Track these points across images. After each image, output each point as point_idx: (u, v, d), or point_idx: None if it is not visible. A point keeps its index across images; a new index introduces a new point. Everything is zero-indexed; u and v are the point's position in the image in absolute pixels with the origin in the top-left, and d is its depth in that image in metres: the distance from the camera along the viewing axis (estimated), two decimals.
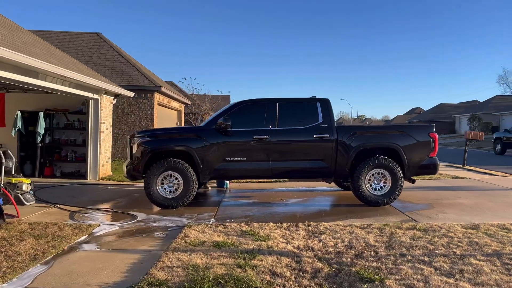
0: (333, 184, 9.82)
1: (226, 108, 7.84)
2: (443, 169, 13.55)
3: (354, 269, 4.23)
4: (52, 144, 11.73)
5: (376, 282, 3.88)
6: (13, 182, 7.18)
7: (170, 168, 7.30)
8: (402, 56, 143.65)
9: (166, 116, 19.05)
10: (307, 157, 7.57)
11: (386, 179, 7.47)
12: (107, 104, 11.59)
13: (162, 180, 7.36)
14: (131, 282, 3.92)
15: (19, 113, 10.83)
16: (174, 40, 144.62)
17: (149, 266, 4.35)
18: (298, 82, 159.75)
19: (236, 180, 10.41)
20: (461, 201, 7.90)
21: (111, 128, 12.15)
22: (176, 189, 7.36)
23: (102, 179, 11.22)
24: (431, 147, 7.60)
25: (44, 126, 10.94)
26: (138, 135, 7.67)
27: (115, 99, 12.26)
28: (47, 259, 4.59)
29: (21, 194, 7.16)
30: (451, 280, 3.91)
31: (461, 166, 14.53)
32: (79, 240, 5.35)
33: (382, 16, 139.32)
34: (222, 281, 3.87)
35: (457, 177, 11.45)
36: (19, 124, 10.76)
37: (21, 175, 7.89)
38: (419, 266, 4.29)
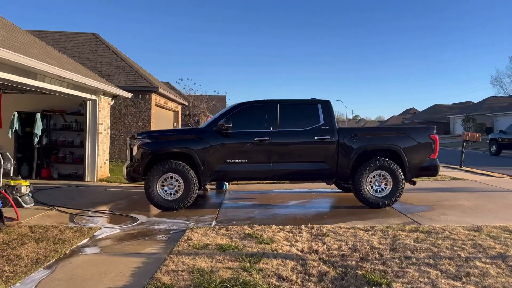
0: (332, 185, 9.83)
1: (227, 110, 7.81)
2: (440, 170, 13.55)
3: (360, 272, 4.21)
4: (49, 146, 11.63)
5: (383, 286, 3.87)
6: (12, 184, 7.10)
7: (170, 170, 7.25)
8: (396, 57, 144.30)
9: (163, 117, 18.97)
10: (308, 159, 7.55)
11: (387, 181, 7.47)
12: (105, 105, 11.51)
13: (163, 182, 7.30)
14: (136, 286, 3.88)
15: (16, 114, 10.73)
16: (173, 40, 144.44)
17: (154, 270, 4.30)
18: (296, 82, 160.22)
19: (235, 182, 10.37)
20: (461, 202, 7.92)
21: (109, 129, 12.08)
22: (176, 191, 7.31)
23: (100, 180, 11.14)
24: (431, 149, 7.61)
25: (41, 127, 10.84)
26: (138, 137, 7.62)
27: (113, 100, 12.18)
28: (49, 263, 4.53)
29: (19, 197, 7.08)
30: (458, 284, 3.90)
31: (458, 167, 14.58)
32: (80, 243, 5.29)
33: (375, 17, 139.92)
34: (228, 285, 3.84)
35: (455, 178, 11.49)
36: (16, 125, 10.66)
37: (20, 177, 7.79)
38: (425, 269, 4.28)
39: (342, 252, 4.89)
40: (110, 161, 13.79)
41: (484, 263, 4.46)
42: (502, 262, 4.47)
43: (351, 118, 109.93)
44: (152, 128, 15.98)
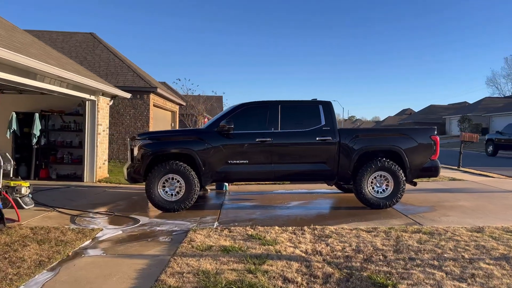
0: (332, 186, 9.83)
1: (228, 111, 7.80)
2: None
3: (365, 274, 4.22)
4: (48, 146, 11.57)
5: (389, 287, 3.87)
6: (12, 185, 7.04)
7: (172, 171, 7.22)
8: (393, 57, 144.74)
9: (161, 117, 18.93)
10: (310, 160, 7.55)
11: (388, 182, 7.48)
12: (104, 106, 11.46)
13: (164, 183, 7.28)
14: None
15: (14, 115, 10.66)
16: (171, 40, 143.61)
17: (158, 272, 4.29)
18: (294, 83, 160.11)
19: (235, 183, 10.35)
20: (461, 203, 7.95)
21: (107, 129, 12.03)
22: (178, 192, 7.29)
23: (99, 181, 11.09)
24: (432, 150, 7.64)
25: (40, 128, 10.79)
26: (139, 138, 7.59)
27: (112, 101, 12.14)
28: (52, 265, 4.50)
29: (20, 198, 7.02)
30: (464, 285, 3.91)
31: (456, 167, 14.64)
32: (83, 245, 5.26)
33: (373, 17, 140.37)
34: (235, 287, 3.83)
35: (454, 179, 11.53)
36: (14, 126, 10.59)
37: (20, 178, 7.73)
38: (429, 270, 4.29)
39: (346, 254, 4.89)
40: (108, 162, 13.73)
41: (488, 264, 4.47)
42: (506, 263, 4.49)
43: (347, 118, 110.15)
44: (151, 129, 15.94)
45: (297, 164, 7.56)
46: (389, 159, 7.51)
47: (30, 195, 7.38)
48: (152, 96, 16.08)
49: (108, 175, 12.01)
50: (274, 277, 4.13)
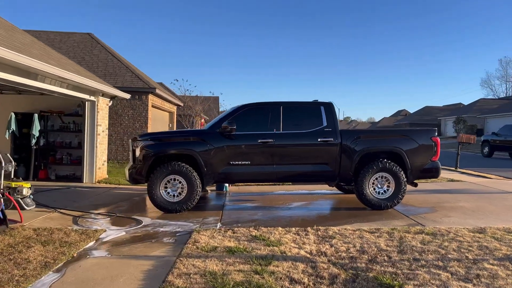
0: (333, 187, 9.86)
1: (230, 112, 7.81)
2: None
3: (371, 275, 4.24)
4: (47, 147, 11.52)
5: None
6: (13, 186, 7.01)
7: (174, 172, 7.22)
8: (389, 58, 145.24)
9: (159, 118, 18.90)
10: (312, 161, 7.57)
11: (389, 183, 7.52)
12: (103, 106, 11.44)
13: (166, 184, 7.28)
14: None
15: (13, 115, 10.61)
16: (172, 40, 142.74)
17: (165, 273, 4.29)
18: (292, 84, 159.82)
19: (235, 183, 10.36)
20: (462, 204, 8.00)
21: (107, 130, 12.00)
22: (180, 193, 7.29)
23: (99, 182, 11.06)
24: (433, 151, 7.69)
25: (39, 128, 10.74)
26: (140, 139, 7.59)
27: (111, 101, 12.11)
28: (58, 266, 4.49)
29: (21, 199, 6.99)
30: (469, 286, 3.95)
31: (454, 168, 14.72)
32: (87, 246, 5.25)
33: (370, 19, 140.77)
34: None
35: (452, 180, 11.60)
36: (13, 126, 10.54)
37: (20, 179, 7.70)
38: (434, 271, 4.32)
39: (351, 254, 4.91)
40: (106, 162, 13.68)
41: (492, 264, 4.51)
42: (510, 263, 4.53)
43: (342, 119, 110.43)
44: (149, 129, 15.91)
45: (299, 165, 7.59)
46: (390, 160, 7.55)
47: (31, 196, 7.35)
48: (150, 96, 16.06)
49: (107, 176, 11.98)
50: (280, 278, 4.14)
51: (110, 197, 9.04)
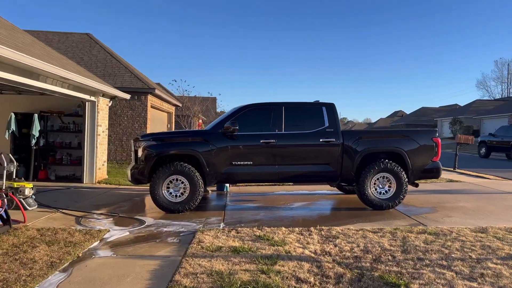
0: (331, 187, 9.89)
1: (232, 112, 7.82)
2: None
3: (376, 274, 4.27)
4: (47, 147, 11.49)
5: (402, 287, 3.93)
6: (15, 186, 7.00)
7: (176, 172, 7.24)
8: (385, 59, 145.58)
9: (157, 118, 18.88)
10: (314, 161, 7.61)
11: (390, 183, 7.56)
12: (103, 107, 11.43)
13: (168, 184, 7.29)
14: None
15: (13, 115, 10.58)
16: (172, 41, 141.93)
17: (171, 272, 4.31)
18: (289, 84, 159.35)
19: (236, 184, 10.38)
20: (462, 204, 8.06)
21: (107, 130, 11.99)
22: (182, 193, 7.30)
23: (99, 182, 11.04)
24: (434, 152, 7.74)
25: (39, 129, 10.72)
26: (142, 139, 7.59)
27: (111, 102, 12.10)
28: (64, 266, 4.49)
29: (23, 199, 6.98)
30: (474, 284, 3.98)
31: (452, 169, 14.80)
32: (92, 246, 5.25)
33: (365, 20, 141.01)
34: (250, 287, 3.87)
35: (451, 181, 11.68)
36: (12, 126, 10.51)
37: (22, 179, 7.69)
38: (439, 270, 4.36)
39: (355, 254, 4.94)
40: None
41: (496, 264, 4.56)
42: None
43: None
44: (148, 130, 15.90)
45: (301, 165, 7.62)
46: (391, 160, 7.59)
47: (33, 197, 7.34)
48: (149, 97, 16.05)
49: (107, 176, 11.96)
50: (287, 277, 4.17)
51: (111, 197, 9.03)
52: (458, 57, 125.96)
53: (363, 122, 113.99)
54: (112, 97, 11.95)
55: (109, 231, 5.99)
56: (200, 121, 32.43)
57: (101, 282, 4.05)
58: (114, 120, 15.54)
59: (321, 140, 7.56)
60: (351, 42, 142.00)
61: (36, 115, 10.68)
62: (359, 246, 5.26)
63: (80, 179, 11.04)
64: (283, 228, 6.07)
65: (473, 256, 4.81)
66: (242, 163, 7.45)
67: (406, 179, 7.54)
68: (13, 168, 7.15)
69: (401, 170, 7.53)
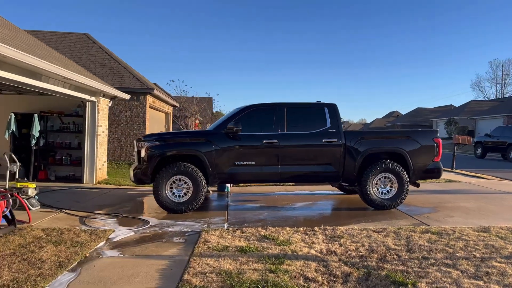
0: (331, 187, 9.96)
1: (235, 112, 7.86)
2: None
3: (383, 273, 4.32)
4: (46, 147, 11.47)
5: (409, 286, 3.98)
6: (18, 186, 7.00)
7: (179, 173, 7.26)
8: (381, 60, 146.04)
9: (155, 118, 18.87)
10: (316, 162, 7.66)
11: (392, 183, 7.63)
12: (103, 107, 11.42)
13: (171, 184, 7.31)
14: None
15: (13, 115, 10.53)
16: (171, 42, 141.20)
17: (180, 272, 4.34)
18: (286, 86, 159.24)
19: (237, 184, 10.41)
20: (462, 204, 8.14)
21: (107, 131, 11.98)
22: (185, 194, 7.33)
23: (99, 183, 11.04)
24: (435, 152, 7.82)
25: (39, 129, 10.68)
26: (145, 139, 7.61)
27: (111, 102, 12.09)
28: (72, 266, 4.51)
29: (26, 199, 6.98)
30: (480, 283, 4.04)
31: (449, 169, 14.91)
32: (98, 246, 5.27)
33: (361, 23, 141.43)
34: (260, 287, 3.90)
35: (450, 181, 11.78)
36: (12, 127, 10.45)
37: (25, 179, 7.67)
38: (445, 269, 4.42)
39: (360, 253, 4.99)
40: None
41: (500, 262, 4.62)
42: None
43: None
44: (147, 130, 15.89)
45: (303, 165, 7.67)
46: (393, 160, 7.66)
47: (36, 197, 7.33)
48: (148, 97, 16.04)
49: (107, 177, 11.95)
50: (295, 277, 4.21)
51: (112, 197, 9.03)
52: (453, 58, 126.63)
53: (358, 123, 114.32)
54: (112, 98, 11.94)
55: (114, 231, 6.01)
56: (197, 121, 32.42)
57: (111, 282, 4.07)
58: (113, 121, 15.52)
59: (323, 140, 7.61)
60: (346, 43, 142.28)
61: (36, 115, 10.64)
62: (364, 245, 5.31)
63: (80, 180, 11.03)
64: (288, 228, 6.11)
65: (477, 255, 4.88)
66: (245, 163, 7.48)
67: (408, 179, 7.61)
68: (16, 168, 7.15)
69: (403, 170, 7.59)
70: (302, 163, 7.66)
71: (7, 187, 6.75)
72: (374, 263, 4.65)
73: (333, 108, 7.86)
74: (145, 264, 4.62)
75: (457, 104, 64.77)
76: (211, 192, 9.78)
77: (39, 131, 10.73)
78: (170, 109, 21.87)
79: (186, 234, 5.91)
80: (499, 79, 71.09)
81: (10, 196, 5.84)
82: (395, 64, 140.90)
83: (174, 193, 7.33)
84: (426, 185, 10.87)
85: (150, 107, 16.82)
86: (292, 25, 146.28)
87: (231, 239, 5.56)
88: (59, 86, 8.60)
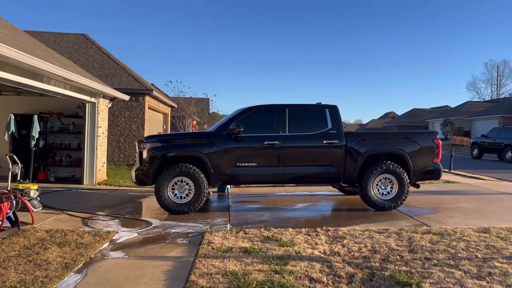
0: (331, 188, 10.02)
1: (237, 114, 7.89)
2: None
3: (387, 273, 4.36)
4: (46, 148, 11.45)
5: (414, 286, 4.02)
6: (20, 188, 7.00)
7: (181, 174, 7.29)
8: (373, 61, 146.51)
9: (154, 119, 18.86)
10: (317, 163, 7.70)
11: (393, 184, 7.69)
12: (103, 108, 11.42)
13: (173, 185, 7.34)
14: None
15: (12, 116, 10.51)
16: (170, 43, 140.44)
17: (186, 273, 4.36)
18: (285, 87, 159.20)
19: (238, 185, 10.44)
20: (461, 205, 8.22)
21: (106, 132, 11.98)
22: (187, 195, 7.35)
23: (99, 184, 11.03)
24: (435, 153, 7.88)
25: (39, 130, 10.67)
26: (146, 141, 7.63)
27: (110, 103, 12.09)
28: (78, 267, 4.52)
29: (28, 200, 6.97)
30: (483, 283, 4.09)
31: (447, 170, 15.00)
32: (102, 247, 5.28)
33: (360, 24, 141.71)
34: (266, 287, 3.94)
35: (448, 182, 11.86)
36: (12, 128, 10.43)
37: (27, 180, 7.68)
38: (448, 269, 4.47)
39: (363, 254, 5.03)
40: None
41: (502, 263, 4.68)
42: None
43: None
44: (146, 131, 15.89)
45: (304, 166, 7.71)
46: (393, 162, 7.71)
47: (38, 198, 7.33)
48: (147, 98, 16.04)
49: (106, 178, 11.95)
50: (300, 277, 4.24)
51: (112, 198, 9.04)
52: (449, 59, 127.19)
53: (354, 123, 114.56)
54: (112, 99, 11.95)
55: (117, 232, 6.02)
56: (194, 122, 32.44)
57: (118, 283, 4.09)
58: (111, 121, 15.50)
59: (324, 141, 7.66)
60: (342, 45, 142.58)
61: (36, 116, 10.63)
62: (367, 246, 5.36)
63: (79, 181, 11.02)
64: (290, 229, 6.15)
65: (479, 256, 4.93)
66: (246, 164, 7.52)
67: (408, 180, 7.67)
68: (18, 169, 7.15)
69: (403, 171, 7.66)
70: (304, 164, 7.70)
71: (9, 189, 6.74)
72: (377, 264, 4.70)
73: (334, 110, 7.91)
74: (150, 265, 4.65)
75: (453, 105, 64.94)
76: (211, 193, 9.80)
77: (38, 132, 10.71)
78: (168, 110, 21.88)
79: (190, 235, 5.93)
80: (494, 80, 71.56)
81: (13, 198, 5.84)
82: (393, 65, 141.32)
83: (176, 194, 7.35)
84: (425, 186, 10.93)
85: (149, 108, 16.82)
86: (292, 27, 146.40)
87: (235, 240, 5.59)
88: (60, 87, 8.60)
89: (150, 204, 8.46)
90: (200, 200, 7.33)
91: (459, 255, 4.97)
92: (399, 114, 78.54)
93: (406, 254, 5.01)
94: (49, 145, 11.53)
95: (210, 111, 41.98)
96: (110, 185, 10.91)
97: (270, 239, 5.63)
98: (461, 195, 9.46)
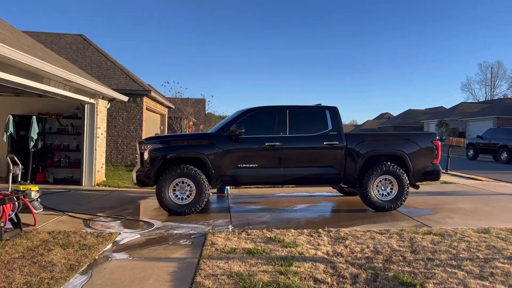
0: (331, 189, 10.06)
1: (237, 115, 7.91)
2: None
3: (390, 274, 4.41)
4: (44, 149, 11.41)
5: (418, 287, 4.07)
6: (21, 189, 6.97)
7: (182, 175, 7.30)
8: (370, 62, 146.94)
9: (151, 120, 18.84)
10: (317, 164, 7.75)
11: (392, 185, 7.74)
12: (102, 109, 11.40)
13: (174, 186, 7.35)
14: None
15: (11, 117, 10.48)
16: (169, 45, 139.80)
17: (191, 274, 4.38)
18: (282, 89, 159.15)
19: (237, 186, 10.46)
20: (460, 205, 8.29)
21: (105, 133, 11.96)
22: (188, 196, 7.37)
23: (98, 185, 11.01)
24: (434, 154, 7.95)
25: (37, 131, 10.63)
26: (147, 142, 7.63)
27: (109, 104, 12.08)
28: (83, 268, 4.53)
29: (29, 202, 6.95)
30: (486, 283, 4.15)
31: (444, 171, 15.08)
32: (106, 248, 5.29)
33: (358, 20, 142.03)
34: None
35: (446, 182, 11.95)
36: (10, 129, 10.40)
37: (28, 181, 7.66)
38: (450, 270, 4.52)
39: (366, 255, 5.08)
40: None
41: (503, 263, 4.74)
42: None
43: None
44: (144, 132, 15.88)
45: (305, 168, 7.75)
46: (393, 163, 7.77)
47: (39, 199, 7.31)
48: (145, 99, 16.03)
49: (105, 179, 11.93)
50: (305, 278, 4.28)
51: (112, 199, 9.03)
52: (444, 61, 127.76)
53: (349, 124, 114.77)
54: (111, 99, 11.93)
55: (120, 233, 6.03)
56: (191, 123, 32.39)
57: (124, 285, 4.10)
58: (109, 122, 15.47)
59: (325, 143, 7.71)
60: (338, 46, 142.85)
61: (34, 117, 10.58)
62: (369, 247, 5.40)
63: (78, 182, 11.00)
64: (292, 230, 6.18)
65: (481, 256, 4.99)
66: (247, 165, 7.54)
67: (408, 182, 7.73)
68: (19, 171, 7.12)
69: (403, 172, 7.72)
70: (304, 165, 7.74)
71: (10, 190, 6.72)
72: (380, 264, 4.74)
73: (334, 111, 7.96)
74: (155, 266, 4.66)
75: (447, 106, 65.35)
76: (211, 194, 9.81)
77: (37, 133, 10.67)
78: (165, 111, 21.85)
79: (192, 237, 5.95)
80: (489, 81, 72.06)
81: (16, 199, 5.83)
82: (388, 67, 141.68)
83: (177, 196, 7.37)
84: (423, 186, 10.98)
85: (147, 109, 16.81)
86: (291, 30, 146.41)
87: (238, 241, 5.61)
88: (60, 88, 8.58)
89: (150, 205, 8.46)
90: (201, 201, 7.35)
91: (461, 255, 5.02)
92: (395, 115, 78.81)
93: (408, 255, 5.06)
94: (48, 146, 11.49)
95: (206, 112, 41.99)
96: (109, 186, 10.89)
97: (272, 240, 5.66)
98: (459, 196, 9.54)
